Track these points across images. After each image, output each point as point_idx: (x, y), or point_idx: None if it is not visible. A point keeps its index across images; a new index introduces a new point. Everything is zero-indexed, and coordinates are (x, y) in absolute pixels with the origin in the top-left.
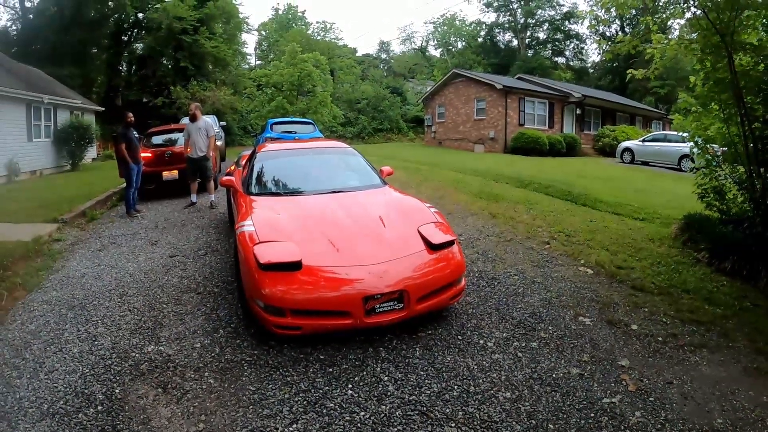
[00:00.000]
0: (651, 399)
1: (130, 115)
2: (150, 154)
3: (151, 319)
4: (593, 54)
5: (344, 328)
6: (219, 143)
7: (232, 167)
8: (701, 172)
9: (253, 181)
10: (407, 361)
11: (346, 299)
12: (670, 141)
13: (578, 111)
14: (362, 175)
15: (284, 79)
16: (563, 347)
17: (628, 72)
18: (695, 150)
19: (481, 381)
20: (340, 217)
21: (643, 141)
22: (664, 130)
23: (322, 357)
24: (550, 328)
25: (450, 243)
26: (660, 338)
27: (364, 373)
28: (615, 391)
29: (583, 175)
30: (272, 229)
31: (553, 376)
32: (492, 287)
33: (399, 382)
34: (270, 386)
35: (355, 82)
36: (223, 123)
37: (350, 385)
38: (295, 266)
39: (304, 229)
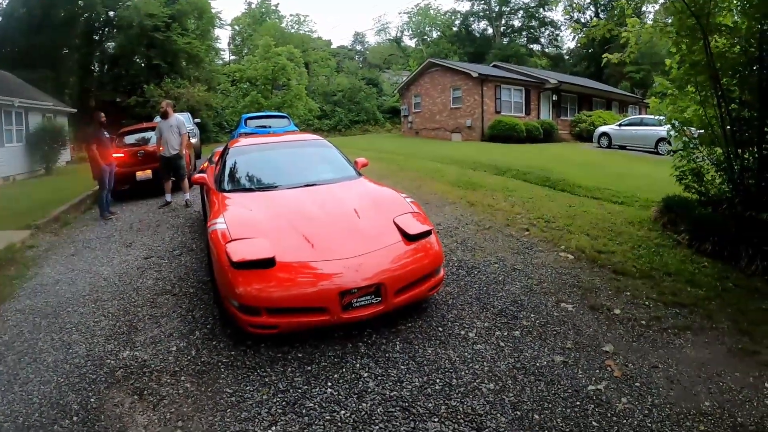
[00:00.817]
0: (637, 384)
1: (102, 114)
2: (122, 154)
3: (126, 323)
4: (568, 40)
5: (321, 324)
6: (193, 141)
7: (205, 164)
8: (679, 155)
9: (225, 178)
10: (387, 355)
11: (322, 295)
12: (646, 125)
13: (554, 97)
14: (336, 168)
15: (258, 73)
16: (546, 335)
17: (603, 56)
18: (672, 133)
19: (463, 373)
20: (314, 211)
21: (620, 125)
22: (640, 114)
23: (300, 355)
24: (532, 315)
25: (427, 233)
26: (643, 322)
27: (344, 370)
28: (600, 378)
29: (561, 160)
30: (244, 225)
31: (537, 365)
32: (472, 276)
33: (379, 378)
34: (248, 388)
35: (331, 75)
36: (198, 120)
37: (329, 383)
38: (269, 263)
39: (278, 225)
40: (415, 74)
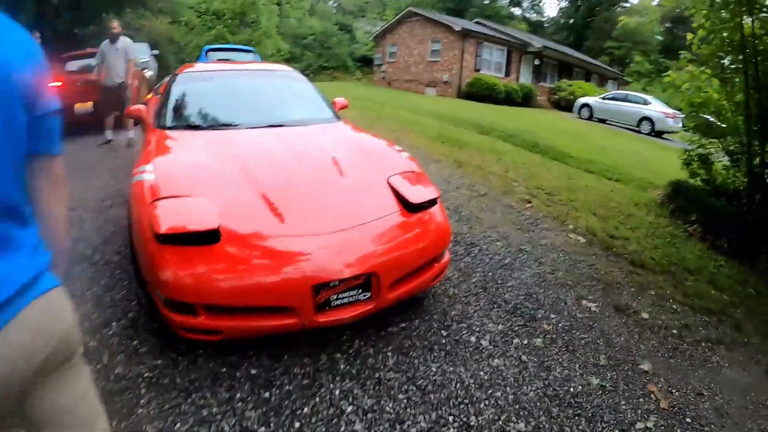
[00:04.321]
0: (688, 420)
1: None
2: (59, 83)
3: None
4: (550, 9)
5: (286, 330)
6: (149, 74)
7: (150, 95)
8: (689, 138)
9: (167, 111)
10: (377, 375)
11: (287, 288)
12: (630, 101)
13: (537, 62)
14: (310, 106)
15: (226, 6)
16: (574, 345)
17: (620, 19)
18: (683, 113)
19: (483, 405)
20: (280, 161)
21: (603, 99)
22: (618, 89)
23: (254, 372)
24: (552, 316)
25: (432, 202)
26: (675, 331)
27: (317, 399)
28: (647, 411)
29: (545, 127)
30: (182, 177)
31: (571, 390)
32: (473, 257)
33: (369, 415)
34: (177, 427)
35: (303, 17)
36: (156, 51)
37: (297, 424)
38: (211, 237)
39: (229, 179)
40: (393, 22)
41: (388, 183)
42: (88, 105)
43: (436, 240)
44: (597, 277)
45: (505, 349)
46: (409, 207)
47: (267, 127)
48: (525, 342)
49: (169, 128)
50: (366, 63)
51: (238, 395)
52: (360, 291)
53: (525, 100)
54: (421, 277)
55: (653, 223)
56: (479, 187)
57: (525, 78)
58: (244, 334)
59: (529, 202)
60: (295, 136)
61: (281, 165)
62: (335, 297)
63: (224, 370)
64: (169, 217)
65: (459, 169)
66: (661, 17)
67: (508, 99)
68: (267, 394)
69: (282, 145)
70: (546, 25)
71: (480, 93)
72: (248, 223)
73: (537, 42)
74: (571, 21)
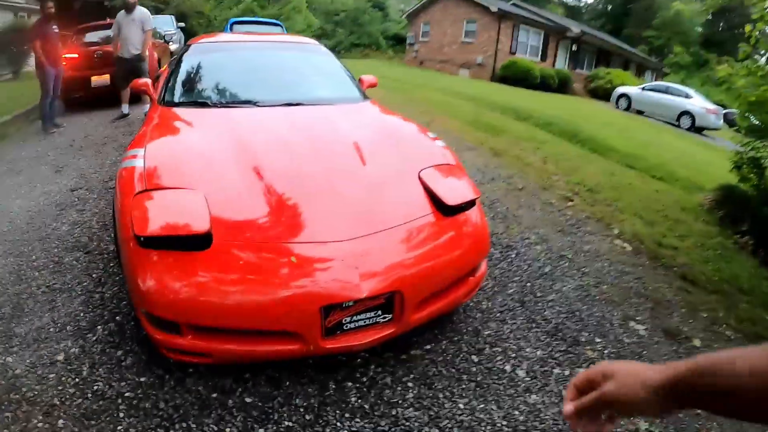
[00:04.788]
0: None
1: (50, 5)
2: (76, 55)
3: (12, 298)
4: None
5: (287, 357)
6: (174, 47)
7: (164, 68)
8: (742, 139)
9: (174, 85)
10: (394, 413)
11: (291, 310)
12: (671, 94)
13: (574, 47)
14: (334, 83)
15: None
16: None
17: (673, 4)
18: (737, 111)
19: None
20: (293, 145)
21: (643, 89)
22: (656, 80)
23: (249, 401)
24: (597, 340)
25: (471, 203)
26: None
27: None
28: None
29: (583, 116)
30: (175, 164)
31: None
32: (509, 262)
33: None
34: None
35: None
36: (182, 24)
37: None
38: (200, 242)
39: (230, 167)
40: (427, 1)
41: (420, 177)
42: (105, 77)
43: (474, 250)
44: (645, 294)
45: (544, 381)
46: (443, 209)
47: (283, 105)
48: (567, 373)
49: (173, 105)
50: (398, 42)
51: (228, 430)
52: (379, 312)
53: (561, 86)
54: (452, 294)
55: (702, 231)
56: (516, 179)
57: (561, 64)
58: (237, 360)
59: (571, 200)
60: (314, 116)
61: (293, 151)
62: (348, 319)
63: (215, 395)
64: (153, 214)
65: (495, 158)
66: (711, 7)
67: (543, 84)
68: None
69: (297, 126)
70: (583, 11)
71: (515, 77)
72: (247, 224)
73: (575, 27)
74: (610, 7)
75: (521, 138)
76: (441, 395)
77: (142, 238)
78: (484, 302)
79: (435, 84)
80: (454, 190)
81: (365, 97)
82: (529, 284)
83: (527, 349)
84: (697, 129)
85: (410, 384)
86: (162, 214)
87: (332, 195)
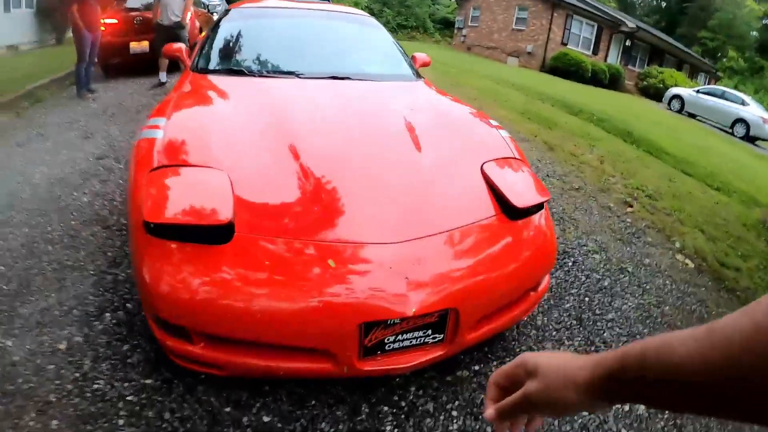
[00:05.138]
0: None
1: None
2: (115, 20)
3: (20, 273)
4: None
5: (314, 377)
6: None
7: (203, 35)
8: None
9: (209, 50)
10: None
11: (324, 325)
12: (726, 99)
13: (627, 43)
14: (385, 59)
15: None
16: (682, 419)
17: (747, 3)
18: None
19: None
20: (338, 124)
21: (697, 92)
22: (709, 84)
23: (267, 420)
24: None
25: (539, 206)
26: None
27: None
28: None
29: (635, 114)
30: (198, 138)
31: None
32: (566, 271)
33: None
34: None
35: None
36: None
37: None
38: (220, 234)
39: (263, 143)
40: None
41: (482, 171)
42: (144, 44)
43: (540, 262)
44: (707, 320)
45: (602, 417)
46: (509, 211)
47: (328, 78)
48: (626, 408)
49: (207, 72)
50: (446, 25)
51: None
52: (429, 332)
53: (611, 82)
54: (512, 311)
55: (765, 252)
56: (572, 178)
57: (612, 58)
58: (254, 375)
59: (630, 206)
60: (362, 92)
61: (337, 130)
62: (392, 338)
63: (228, 410)
64: (167, 197)
65: (549, 153)
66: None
67: (593, 79)
68: None
69: (342, 102)
70: (637, 5)
71: (565, 69)
72: (276, 213)
73: (630, 22)
74: (665, 4)
75: (575, 133)
76: (489, 429)
77: (152, 225)
78: (539, 317)
79: (483, 70)
80: (522, 190)
81: (419, 75)
82: (587, 299)
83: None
84: (751, 138)
85: (455, 413)
86: (178, 196)
87: (380, 184)
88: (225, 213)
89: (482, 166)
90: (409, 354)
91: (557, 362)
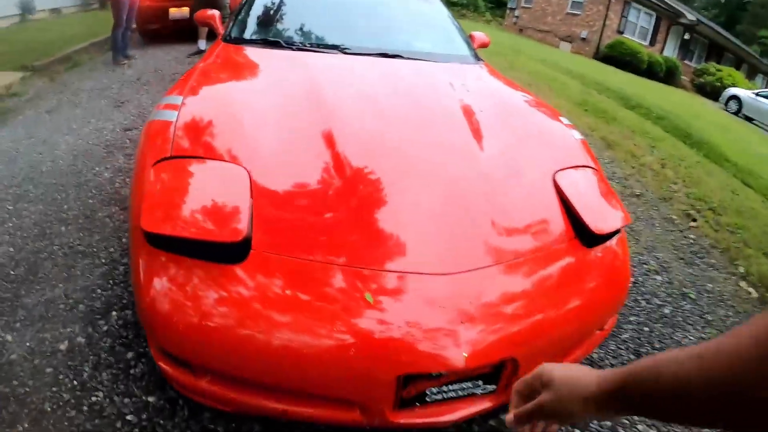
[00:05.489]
0: None
1: None
2: None
3: (29, 257)
4: None
5: (337, 425)
6: None
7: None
8: None
9: (247, 18)
10: None
11: (356, 375)
12: None
13: (686, 36)
14: (442, 37)
15: None
16: None
17: None
18: None
19: None
20: (386, 108)
21: (757, 95)
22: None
23: None
24: None
25: (616, 232)
26: None
27: None
28: None
29: (695, 114)
30: (218, 121)
31: None
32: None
33: None
34: None
35: None
36: None
37: None
38: (234, 252)
39: (294, 127)
40: None
41: (555, 182)
42: (184, 10)
43: (613, 299)
44: None
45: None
46: (584, 235)
47: (377, 55)
48: None
49: (239, 42)
50: (498, 5)
51: None
52: (479, 382)
53: (667, 76)
54: (572, 353)
55: None
56: (633, 182)
57: (669, 51)
58: (267, 416)
59: (694, 220)
60: (416, 73)
61: (383, 115)
62: (435, 390)
63: None
64: (171, 199)
65: (608, 151)
66: None
67: (649, 71)
68: None
69: (392, 83)
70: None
71: (620, 58)
72: (305, 226)
73: (690, 14)
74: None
75: (634, 130)
76: None
77: (149, 236)
78: (594, 350)
79: (536, 54)
80: (601, 211)
81: (478, 58)
82: (646, 329)
83: (639, 426)
84: None
85: None
86: (185, 199)
87: (433, 188)
88: (240, 225)
89: (555, 174)
90: (453, 405)
91: (570, 376)
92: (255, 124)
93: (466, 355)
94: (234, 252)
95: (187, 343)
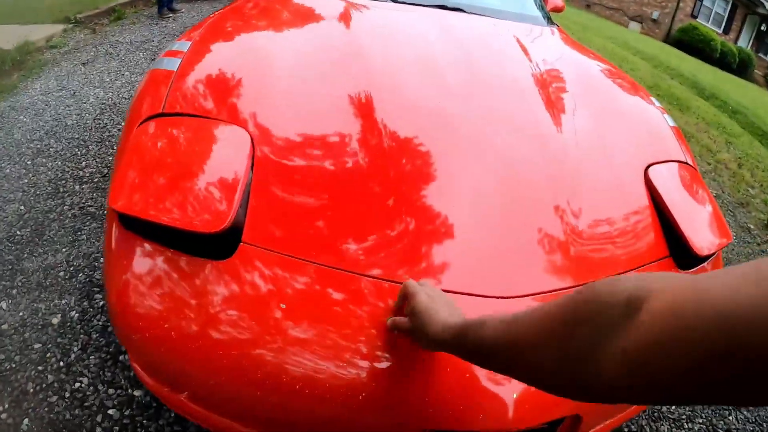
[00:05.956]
0: None
1: None
2: None
3: (38, 216)
4: None
5: None
6: None
7: None
8: None
9: None
10: None
11: (370, 424)
12: None
13: (762, 27)
14: None
15: None
16: None
17: None
18: None
19: None
20: (443, 69)
21: None
22: None
23: None
24: None
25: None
26: None
27: None
28: None
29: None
30: (225, 73)
31: None
32: None
33: None
34: None
35: None
36: None
37: None
38: (217, 244)
39: (324, 85)
40: None
41: (647, 179)
42: None
43: None
44: None
45: None
46: (681, 253)
47: (434, 7)
48: None
49: None
50: None
51: None
52: None
53: (740, 68)
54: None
55: None
56: (709, 181)
57: (743, 42)
58: None
59: None
60: (481, 31)
61: (439, 79)
62: None
63: None
64: (150, 169)
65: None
66: None
67: (721, 60)
68: None
69: (452, 40)
70: None
71: (691, 43)
72: (319, 208)
73: None
74: None
75: (709, 122)
76: None
77: (120, 217)
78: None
79: (604, 32)
80: (703, 224)
81: (551, 20)
82: None
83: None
84: None
85: None
86: (167, 170)
87: (497, 184)
88: (225, 209)
89: (647, 168)
90: None
91: (426, 309)
92: (272, 80)
93: (512, 412)
94: (217, 244)
95: (151, 354)
